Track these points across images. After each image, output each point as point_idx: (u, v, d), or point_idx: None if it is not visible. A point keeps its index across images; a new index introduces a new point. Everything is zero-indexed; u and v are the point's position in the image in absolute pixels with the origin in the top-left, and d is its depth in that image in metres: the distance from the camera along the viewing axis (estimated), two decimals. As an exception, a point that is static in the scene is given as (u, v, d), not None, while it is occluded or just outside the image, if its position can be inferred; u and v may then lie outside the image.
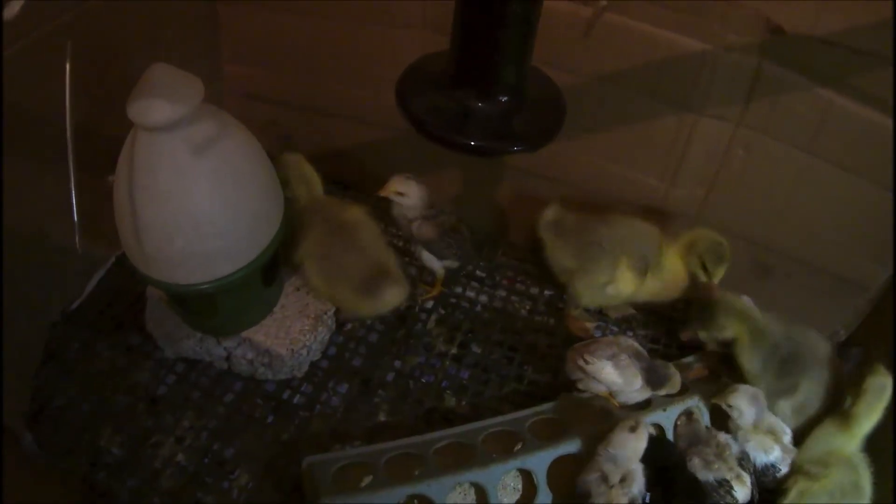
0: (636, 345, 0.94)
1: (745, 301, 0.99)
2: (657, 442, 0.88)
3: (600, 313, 1.14)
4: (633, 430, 0.84)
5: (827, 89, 0.91)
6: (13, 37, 0.84)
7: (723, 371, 1.01)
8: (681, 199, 1.09)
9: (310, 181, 1.04)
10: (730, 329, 0.96)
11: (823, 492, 0.87)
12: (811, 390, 0.93)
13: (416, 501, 0.84)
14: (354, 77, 1.15)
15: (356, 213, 1.02)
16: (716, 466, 0.86)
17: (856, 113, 0.91)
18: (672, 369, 0.94)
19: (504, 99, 0.70)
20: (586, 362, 0.91)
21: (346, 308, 1.05)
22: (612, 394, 0.93)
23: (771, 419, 0.92)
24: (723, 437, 0.90)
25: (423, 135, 0.71)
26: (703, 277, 0.98)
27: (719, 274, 0.97)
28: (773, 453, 0.90)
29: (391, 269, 0.99)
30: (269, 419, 0.99)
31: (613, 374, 0.91)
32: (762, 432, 0.91)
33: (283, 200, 0.94)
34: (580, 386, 0.95)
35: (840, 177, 0.97)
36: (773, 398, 0.93)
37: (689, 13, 0.92)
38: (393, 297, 0.99)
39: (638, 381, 0.91)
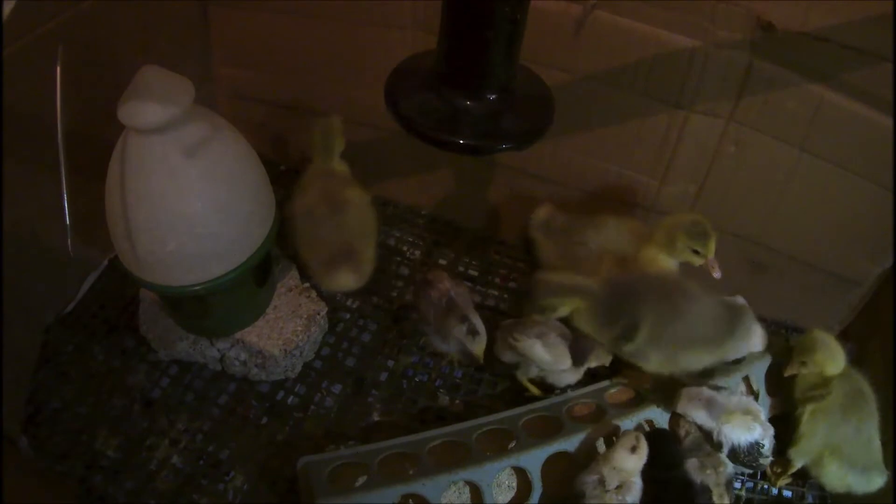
0: (561, 325, 0.95)
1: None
2: (661, 438, 0.89)
3: None
4: (633, 450, 0.85)
5: (818, 85, 0.91)
6: (5, 40, 0.85)
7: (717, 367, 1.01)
8: (673, 196, 1.09)
9: (329, 151, 1.03)
10: (561, 307, 0.93)
11: (834, 405, 0.90)
12: (660, 322, 0.90)
13: (411, 501, 0.84)
14: (346, 77, 1.15)
15: (355, 195, 1.01)
16: (707, 472, 0.86)
17: (847, 109, 0.91)
18: (594, 342, 0.94)
19: (492, 97, 0.70)
20: (515, 339, 0.92)
21: (312, 275, 1.04)
22: (542, 375, 0.94)
23: (742, 400, 0.92)
24: (726, 431, 0.90)
25: (412, 134, 0.71)
26: (698, 261, 0.95)
27: (711, 249, 0.93)
28: (755, 431, 0.90)
29: (357, 255, 0.99)
30: (264, 420, 0.99)
31: (542, 352, 0.92)
32: (738, 414, 0.91)
33: (274, 201, 0.94)
34: (517, 374, 0.96)
35: (832, 172, 0.97)
36: (615, 345, 0.92)
37: (679, 10, 0.92)
38: (345, 280, 0.98)
39: (567, 360, 0.92)
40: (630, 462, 0.84)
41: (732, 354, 0.93)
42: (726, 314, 0.92)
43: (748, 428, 0.90)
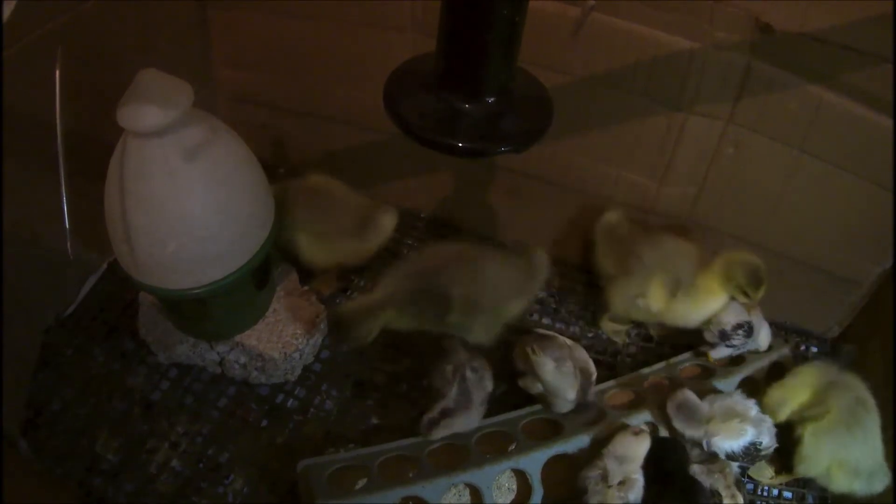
0: (589, 362, 0.94)
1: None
2: (663, 441, 0.89)
3: (640, 326, 1.14)
4: (636, 434, 0.85)
5: (817, 86, 0.91)
6: (6, 41, 0.85)
7: (717, 370, 1.01)
8: (672, 197, 1.09)
9: None
10: (374, 329, 0.92)
11: (836, 421, 0.89)
12: (467, 290, 0.92)
13: (410, 503, 0.84)
14: (346, 79, 1.15)
15: (318, 179, 1.07)
16: (716, 476, 0.86)
17: (846, 109, 0.91)
18: (599, 409, 0.94)
19: (491, 100, 0.70)
20: (533, 352, 0.91)
21: (347, 256, 1.08)
22: (543, 393, 0.93)
23: (727, 403, 0.92)
24: (717, 444, 0.90)
25: (411, 137, 0.71)
26: (742, 299, 0.99)
27: (759, 296, 0.97)
28: (747, 434, 0.89)
29: (374, 204, 1.07)
30: (264, 423, 0.99)
31: (551, 375, 0.90)
32: (723, 421, 0.90)
33: (273, 204, 0.94)
34: (519, 382, 0.95)
35: (831, 173, 0.97)
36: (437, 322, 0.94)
37: (678, 12, 0.93)
38: (390, 221, 1.07)
39: (571, 394, 0.90)
40: (632, 447, 0.84)
41: (536, 292, 1.03)
42: (519, 261, 0.99)
43: (738, 433, 0.89)
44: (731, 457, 0.89)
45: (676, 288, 1.00)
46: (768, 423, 0.91)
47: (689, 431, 0.90)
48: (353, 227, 1.05)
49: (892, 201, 0.95)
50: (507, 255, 0.99)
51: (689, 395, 0.91)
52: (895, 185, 0.93)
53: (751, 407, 0.91)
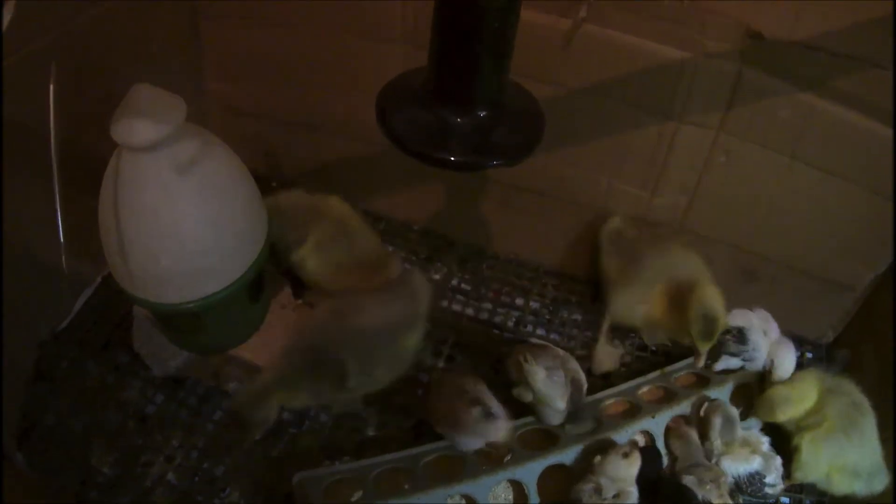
0: (580, 372, 0.94)
1: None
2: (646, 452, 0.89)
3: (634, 335, 1.13)
4: (626, 456, 0.85)
5: (808, 93, 0.92)
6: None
7: (712, 378, 1.01)
8: (664, 207, 1.09)
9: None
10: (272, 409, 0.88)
11: (833, 427, 0.89)
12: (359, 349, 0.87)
13: (406, 515, 0.84)
14: (338, 91, 1.15)
15: (337, 204, 1.09)
16: (707, 487, 0.86)
17: (837, 116, 0.92)
18: (594, 417, 0.94)
19: (482, 114, 0.71)
20: (525, 360, 0.91)
21: (349, 285, 1.06)
22: (533, 402, 0.93)
23: (743, 434, 0.93)
24: (725, 464, 0.91)
25: (402, 150, 0.71)
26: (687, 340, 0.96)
27: (703, 347, 0.93)
28: (754, 462, 0.91)
29: (383, 250, 1.10)
30: (258, 436, 0.99)
31: (542, 384, 0.90)
32: (736, 447, 0.92)
33: (266, 218, 0.94)
34: (513, 391, 0.95)
35: (822, 179, 0.98)
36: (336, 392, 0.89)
37: (668, 21, 0.93)
38: (397, 267, 1.08)
39: (561, 404, 0.90)
40: (622, 469, 0.84)
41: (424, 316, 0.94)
42: (399, 290, 0.93)
43: (746, 459, 0.90)
44: (736, 481, 0.91)
45: (678, 299, 0.98)
46: (777, 462, 0.92)
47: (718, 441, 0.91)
48: (365, 263, 1.05)
49: (888, 207, 0.95)
50: (383, 291, 0.94)
51: (733, 409, 0.93)
52: (895, 193, 0.94)
53: (764, 442, 0.93)
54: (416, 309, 0.92)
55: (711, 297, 0.93)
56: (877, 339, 1.04)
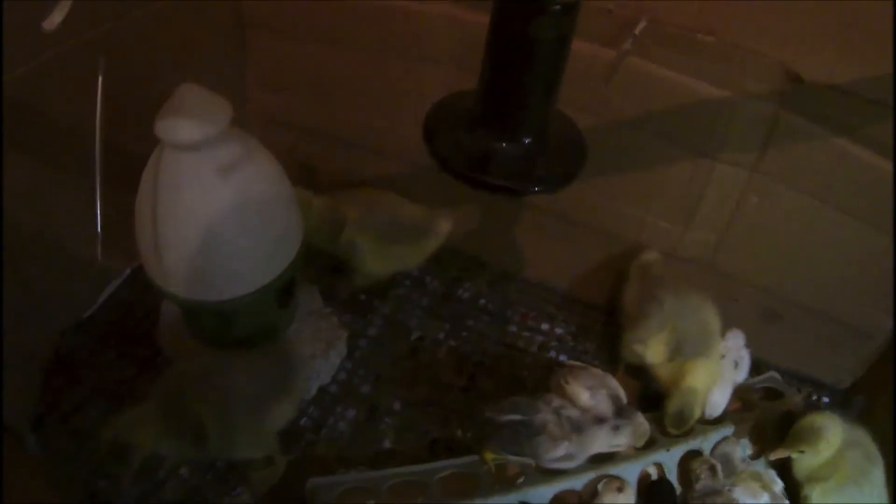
0: (620, 389, 0.94)
1: None
2: (657, 484, 0.89)
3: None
4: (620, 490, 0.87)
5: (841, 138, 0.92)
6: (47, 43, 0.86)
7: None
8: (694, 243, 1.09)
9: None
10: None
11: (845, 478, 0.89)
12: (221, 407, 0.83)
13: (418, 529, 0.84)
14: (378, 108, 1.16)
15: (371, 189, 1.13)
16: None
17: (869, 162, 0.92)
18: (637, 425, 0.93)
19: (528, 141, 0.72)
20: (566, 382, 0.92)
21: (405, 261, 1.13)
22: None
23: (755, 468, 0.93)
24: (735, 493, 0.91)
25: (447, 172, 0.72)
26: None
27: (673, 429, 0.95)
28: (762, 498, 0.90)
29: (430, 211, 1.12)
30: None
31: (587, 403, 0.91)
32: (747, 478, 0.92)
33: (301, 226, 0.95)
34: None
35: (851, 225, 0.97)
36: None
37: (709, 60, 0.94)
38: (446, 226, 1.11)
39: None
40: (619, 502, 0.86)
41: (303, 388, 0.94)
42: (274, 357, 0.91)
43: (755, 493, 0.90)
44: None
45: (677, 353, 0.98)
46: None
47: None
48: (410, 228, 1.09)
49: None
50: (258, 356, 0.91)
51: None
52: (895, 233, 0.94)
53: (776, 481, 0.93)
54: (290, 383, 0.89)
55: (693, 391, 0.94)
56: (888, 391, 1.04)
